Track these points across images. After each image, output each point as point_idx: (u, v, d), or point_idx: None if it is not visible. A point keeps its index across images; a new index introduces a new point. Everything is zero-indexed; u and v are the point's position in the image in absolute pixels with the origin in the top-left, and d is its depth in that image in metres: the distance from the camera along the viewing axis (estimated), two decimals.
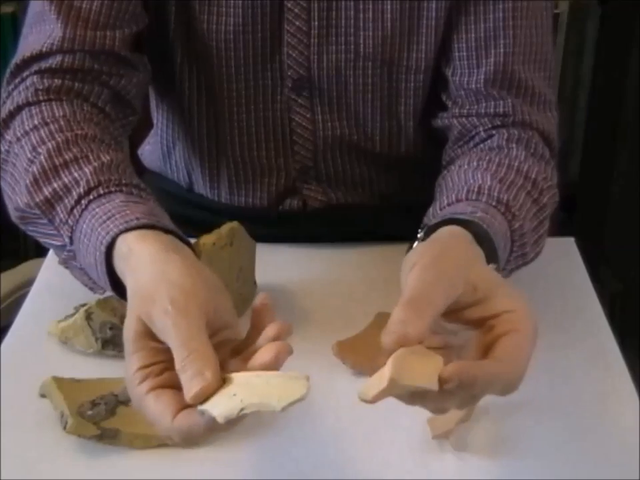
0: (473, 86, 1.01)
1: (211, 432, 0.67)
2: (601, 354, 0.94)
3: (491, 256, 0.80)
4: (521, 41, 1.00)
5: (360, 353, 0.91)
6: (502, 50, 1.00)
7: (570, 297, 1.02)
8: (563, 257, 1.08)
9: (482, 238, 0.80)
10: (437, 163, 1.13)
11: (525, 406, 0.86)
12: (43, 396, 0.85)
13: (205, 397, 0.66)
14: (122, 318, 0.88)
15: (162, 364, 0.70)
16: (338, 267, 1.07)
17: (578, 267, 1.07)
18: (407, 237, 1.11)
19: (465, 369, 0.67)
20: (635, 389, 0.88)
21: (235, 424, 0.66)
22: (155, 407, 0.67)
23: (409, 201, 1.15)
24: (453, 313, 0.72)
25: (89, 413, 0.81)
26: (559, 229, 1.06)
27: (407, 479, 0.80)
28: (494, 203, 0.87)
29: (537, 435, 0.83)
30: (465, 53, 1.01)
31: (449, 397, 0.69)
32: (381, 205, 1.15)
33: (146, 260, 0.74)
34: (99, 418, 0.81)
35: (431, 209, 0.92)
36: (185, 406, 0.67)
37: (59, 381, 0.84)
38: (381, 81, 1.04)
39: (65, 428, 0.80)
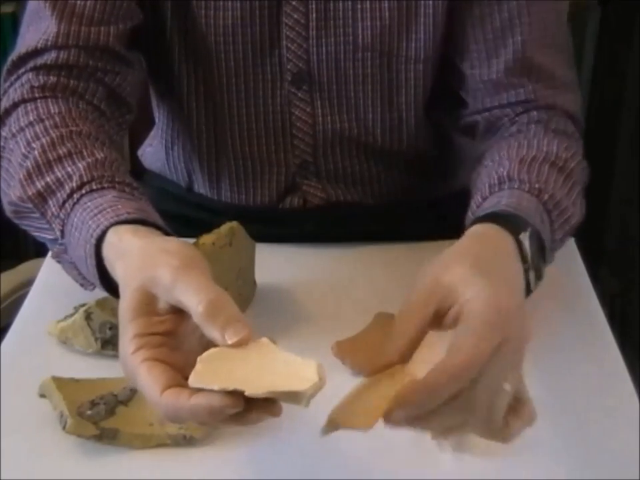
0: (494, 76, 1.01)
1: (195, 416, 0.65)
2: (600, 354, 0.93)
3: (523, 227, 0.81)
4: (536, 26, 1.00)
5: (360, 353, 0.91)
6: (519, 38, 1.00)
7: (570, 297, 1.01)
8: (563, 257, 1.08)
9: (507, 219, 0.81)
10: (438, 162, 1.13)
11: None
12: (42, 396, 0.85)
13: (243, 345, 0.66)
14: None
15: (159, 337, 0.69)
16: (338, 267, 1.07)
17: (578, 267, 1.07)
18: (406, 236, 1.12)
19: (401, 395, 0.68)
20: (635, 389, 0.88)
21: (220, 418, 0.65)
22: (146, 378, 0.66)
23: (409, 200, 1.15)
24: (439, 322, 0.73)
25: (89, 412, 0.81)
26: None
27: (407, 479, 0.80)
28: (516, 185, 0.88)
29: (536, 435, 0.83)
30: (482, 45, 1.01)
31: (433, 418, 0.69)
32: (381, 203, 1.15)
33: (139, 244, 0.75)
34: (99, 418, 0.81)
35: (468, 211, 0.93)
36: (176, 384, 0.66)
37: (58, 381, 0.84)
38: (380, 72, 1.04)
39: (64, 428, 0.80)
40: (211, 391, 0.65)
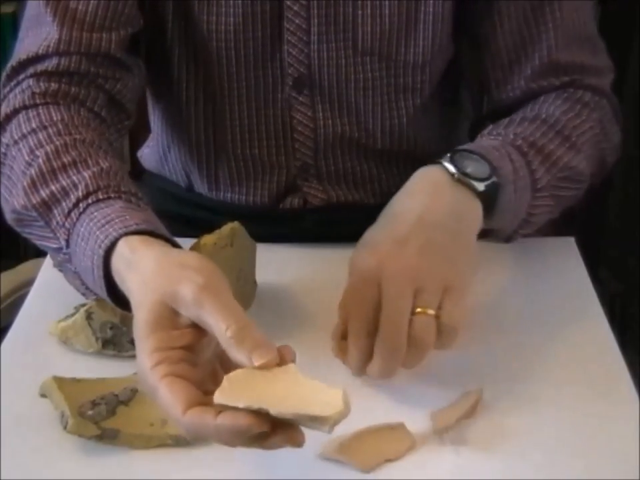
0: (522, 83, 1.04)
1: (220, 435, 0.66)
2: (601, 354, 0.93)
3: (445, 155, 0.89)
4: (562, 28, 1.02)
5: None
6: (545, 44, 1.02)
7: (570, 297, 1.01)
8: (563, 257, 1.08)
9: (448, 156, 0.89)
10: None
11: (525, 405, 0.86)
12: (43, 396, 0.85)
13: (269, 367, 0.66)
14: (122, 318, 0.89)
15: (179, 352, 0.69)
16: (338, 267, 1.06)
17: (578, 267, 1.07)
18: None
19: None
20: (635, 389, 0.88)
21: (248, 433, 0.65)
22: (167, 395, 0.66)
23: None
24: None
25: (90, 412, 0.81)
26: (559, 229, 1.06)
27: (407, 478, 0.80)
28: (492, 136, 0.95)
29: (537, 434, 0.83)
30: (513, 55, 1.03)
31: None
32: (381, 203, 1.14)
33: (153, 255, 0.74)
34: (99, 418, 0.81)
35: None
36: (198, 401, 0.66)
37: (59, 381, 0.84)
38: (381, 76, 1.04)
39: (65, 428, 0.80)
40: (236, 408, 0.65)
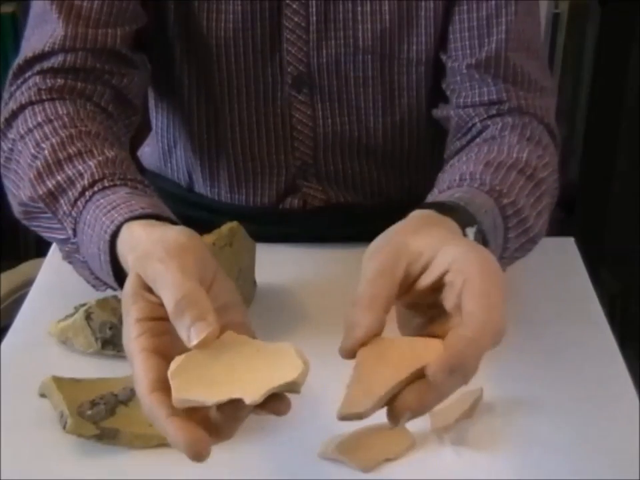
0: (472, 70, 1.01)
1: (165, 434, 0.63)
2: (600, 354, 0.94)
3: (469, 222, 0.78)
4: (515, 29, 1.00)
5: None
6: (495, 37, 1.00)
7: (570, 297, 1.02)
8: (563, 257, 1.08)
9: (452, 209, 0.78)
10: (438, 162, 1.13)
11: (524, 405, 0.86)
12: (42, 396, 0.85)
13: (208, 345, 0.64)
14: (121, 318, 0.88)
15: (161, 322, 0.67)
16: (338, 266, 1.07)
17: (578, 267, 1.07)
18: None
19: (448, 356, 0.64)
20: (635, 389, 0.88)
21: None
22: (139, 370, 0.65)
23: (409, 200, 1.15)
24: (411, 291, 0.70)
25: (89, 412, 0.81)
26: (559, 228, 1.06)
27: (407, 478, 0.80)
28: (476, 185, 0.85)
29: (536, 434, 0.83)
30: (461, 43, 1.01)
31: (444, 384, 0.66)
32: (381, 204, 1.15)
33: (145, 236, 0.74)
34: (99, 418, 0.81)
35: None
36: (165, 384, 0.64)
37: (58, 381, 0.84)
38: (381, 74, 1.04)
39: (64, 428, 0.80)
40: (202, 407, 0.62)
